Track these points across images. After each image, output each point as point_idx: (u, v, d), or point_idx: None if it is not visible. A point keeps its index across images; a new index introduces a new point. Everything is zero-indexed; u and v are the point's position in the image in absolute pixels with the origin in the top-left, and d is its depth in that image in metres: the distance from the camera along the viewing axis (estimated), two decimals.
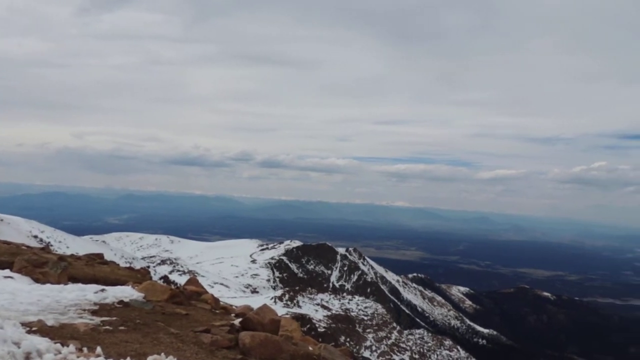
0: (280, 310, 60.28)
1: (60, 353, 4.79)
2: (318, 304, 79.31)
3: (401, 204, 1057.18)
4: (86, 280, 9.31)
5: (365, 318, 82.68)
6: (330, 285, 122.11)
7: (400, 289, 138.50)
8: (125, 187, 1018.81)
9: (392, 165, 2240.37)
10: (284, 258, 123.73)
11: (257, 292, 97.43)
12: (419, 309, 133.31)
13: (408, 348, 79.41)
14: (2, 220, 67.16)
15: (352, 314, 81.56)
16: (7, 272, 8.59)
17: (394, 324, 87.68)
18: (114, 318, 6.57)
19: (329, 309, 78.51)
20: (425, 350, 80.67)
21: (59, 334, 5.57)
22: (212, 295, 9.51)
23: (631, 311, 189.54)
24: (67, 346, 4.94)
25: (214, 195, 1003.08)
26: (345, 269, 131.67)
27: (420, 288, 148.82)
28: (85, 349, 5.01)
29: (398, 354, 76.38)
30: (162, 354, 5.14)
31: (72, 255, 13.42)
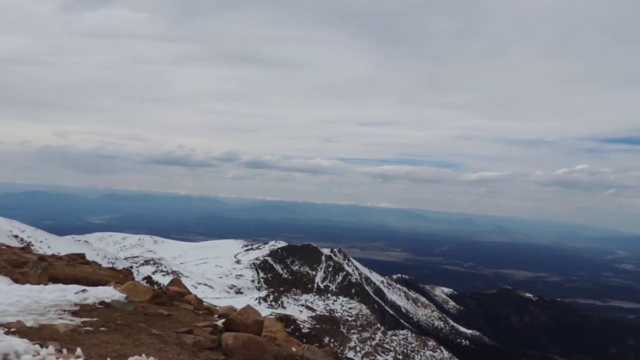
0: (264, 311, 60.09)
1: (39, 354, 4.71)
2: (302, 305, 79.27)
3: (386, 205, 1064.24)
4: (67, 281, 9.19)
5: (350, 319, 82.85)
6: (315, 286, 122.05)
7: (385, 290, 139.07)
8: (108, 187, 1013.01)
9: (377, 166, 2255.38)
10: (269, 259, 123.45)
11: (242, 292, 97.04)
12: (403, 310, 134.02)
13: (392, 349, 79.77)
14: None
15: (337, 314, 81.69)
16: None
17: (378, 325, 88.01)
18: (95, 319, 6.48)
19: (313, 310, 78.50)
20: (409, 351, 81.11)
21: (38, 335, 5.48)
22: (195, 295, 9.46)
23: (611, 312, 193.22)
24: (47, 347, 4.86)
25: (199, 195, 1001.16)
26: (330, 269, 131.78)
27: (405, 289, 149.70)
28: (64, 350, 4.93)
29: (382, 354, 76.67)
30: (144, 355, 5.08)
31: (53, 255, 13.23)
